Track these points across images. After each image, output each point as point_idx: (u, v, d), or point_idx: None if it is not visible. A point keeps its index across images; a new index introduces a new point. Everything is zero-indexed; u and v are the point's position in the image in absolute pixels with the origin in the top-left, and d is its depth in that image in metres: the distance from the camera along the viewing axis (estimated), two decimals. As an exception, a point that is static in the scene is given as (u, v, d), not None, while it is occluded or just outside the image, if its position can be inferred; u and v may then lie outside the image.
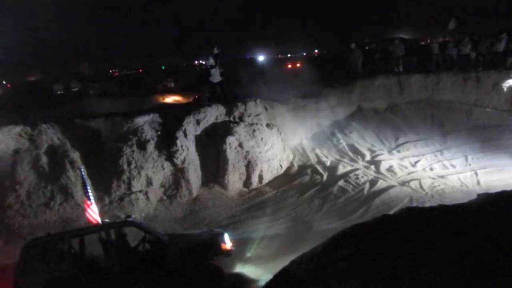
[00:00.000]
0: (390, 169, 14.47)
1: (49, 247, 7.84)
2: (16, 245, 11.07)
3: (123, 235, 8.24)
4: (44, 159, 12.23)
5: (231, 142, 13.55)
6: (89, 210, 9.15)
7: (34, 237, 9.68)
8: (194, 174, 13.24)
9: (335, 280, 4.85)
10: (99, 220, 9.19)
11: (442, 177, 14.01)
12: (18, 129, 12.83)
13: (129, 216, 8.76)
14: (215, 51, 15.71)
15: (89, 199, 9.28)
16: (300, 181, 13.88)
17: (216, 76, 15.68)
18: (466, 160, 15.12)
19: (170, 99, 20.98)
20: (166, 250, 7.80)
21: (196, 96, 18.78)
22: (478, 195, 7.22)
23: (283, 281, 5.36)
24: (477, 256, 3.96)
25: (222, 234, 8.26)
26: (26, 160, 12.08)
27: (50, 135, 12.75)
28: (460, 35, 21.54)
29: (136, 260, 8.06)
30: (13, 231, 11.45)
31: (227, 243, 8.14)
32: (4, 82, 30.93)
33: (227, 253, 8.10)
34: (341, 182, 13.42)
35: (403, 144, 16.51)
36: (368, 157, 15.46)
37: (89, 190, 9.39)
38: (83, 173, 9.72)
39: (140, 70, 35.52)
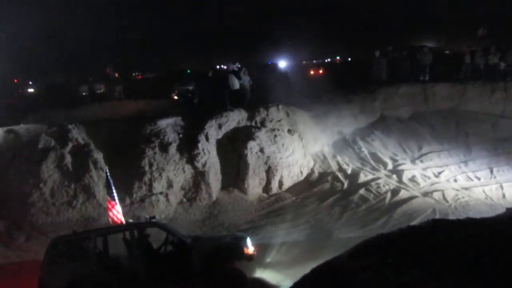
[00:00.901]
0: (412, 179, 14.22)
1: (74, 244, 7.94)
2: (38, 241, 11.32)
3: (146, 236, 8.29)
4: (68, 159, 12.44)
5: (252, 147, 13.55)
6: (113, 211, 9.27)
7: (57, 234, 9.86)
8: (215, 178, 13.27)
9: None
10: (123, 220, 9.30)
11: (466, 189, 13.70)
12: (44, 128, 13.13)
13: (153, 217, 8.80)
14: (235, 67, 15.91)
15: (114, 200, 9.40)
16: (320, 188, 13.76)
17: (235, 83, 15.72)
18: (491, 172, 14.75)
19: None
20: (189, 252, 7.80)
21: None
22: (507, 209, 7.02)
23: (304, 289, 5.29)
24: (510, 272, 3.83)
25: (245, 239, 8.24)
26: (51, 159, 12.31)
27: (75, 135, 12.99)
28: (488, 44, 21.05)
29: (159, 261, 8.08)
30: (35, 228, 11.66)
31: (250, 247, 8.11)
32: (30, 83, 31.71)
33: (250, 257, 8.07)
34: (362, 191, 13.25)
35: (426, 154, 16.21)
36: (390, 166, 15.23)
37: (114, 191, 9.50)
38: (108, 174, 9.85)
39: (153, 74, 35.84)
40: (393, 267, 4.67)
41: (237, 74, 15.86)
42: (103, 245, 8.19)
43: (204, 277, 7.65)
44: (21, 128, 13.99)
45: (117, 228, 8.68)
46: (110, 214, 9.36)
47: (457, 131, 17.58)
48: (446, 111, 18.56)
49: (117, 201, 9.41)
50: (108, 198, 9.52)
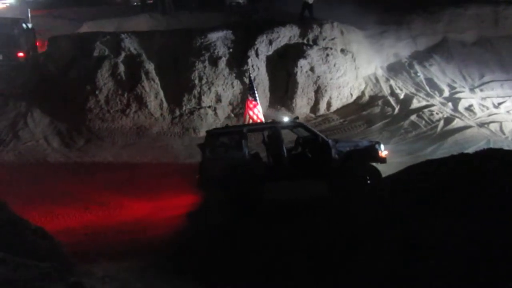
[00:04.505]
0: (469, 108, 13.53)
1: (229, 136, 8.78)
2: (95, 145, 12.11)
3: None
4: (121, 68, 12.74)
5: (303, 65, 13.25)
6: (255, 110, 10.25)
7: (112, 139, 10.46)
8: (263, 95, 13.23)
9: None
10: (263, 119, 10.23)
11: (527, 122, 12.91)
12: (98, 36, 13.35)
13: (297, 118, 9.73)
14: None
15: (255, 100, 10.32)
16: (369, 112, 13.47)
17: None
18: (558, 106, 13.72)
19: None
20: (329, 151, 8.39)
21: None
22: None
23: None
24: None
25: (379, 143, 8.83)
26: (105, 68, 12.65)
27: (128, 44, 13.14)
28: None
29: (302, 157, 8.91)
30: (93, 133, 12.39)
31: (383, 151, 8.62)
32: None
33: (383, 160, 8.58)
34: (413, 117, 12.85)
35: (488, 82, 15.17)
36: (446, 93, 14.48)
37: (256, 92, 10.43)
38: (250, 75, 11.13)
39: None
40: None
41: None
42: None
43: (341, 174, 8.30)
44: (77, 35, 14.32)
45: (264, 125, 9.53)
46: (250, 113, 10.27)
47: (527, 60, 16.16)
48: (518, 37, 16.95)
49: (258, 101, 10.29)
50: (250, 98, 10.36)
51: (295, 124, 9.05)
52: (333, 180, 8.34)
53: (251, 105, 10.30)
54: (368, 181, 8.21)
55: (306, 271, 4.74)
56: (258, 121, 10.11)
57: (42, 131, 12.20)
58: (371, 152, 8.56)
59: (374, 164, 8.51)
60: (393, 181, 5.73)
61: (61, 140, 12.12)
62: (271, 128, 8.91)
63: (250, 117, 10.28)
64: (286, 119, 9.83)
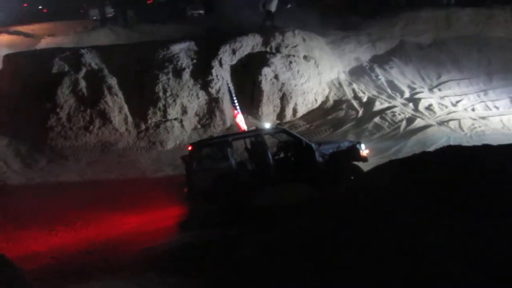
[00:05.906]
0: (429, 108, 14.00)
1: (214, 147, 8.86)
2: (59, 164, 11.74)
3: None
4: (83, 84, 12.43)
5: (267, 73, 13.35)
6: (237, 119, 10.48)
7: (76, 157, 10.14)
8: (229, 104, 13.18)
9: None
10: (246, 128, 10.34)
11: (483, 118, 13.49)
12: (57, 52, 13.01)
13: (279, 124, 10.15)
14: None
15: (237, 109, 10.48)
16: (334, 116, 13.71)
17: (274, 4, 15.43)
18: (511, 101, 14.38)
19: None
20: (313, 154, 8.69)
21: None
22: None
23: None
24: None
25: (360, 143, 9.21)
26: (66, 84, 12.31)
27: (88, 60, 12.86)
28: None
29: (287, 161, 9.22)
30: (55, 152, 12.00)
31: (365, 150, 8.97)
32: (40, 7, 30.95)
33: (365, 159, 8.91)
34: (376, 119, 13.16)
35: (445, 82, 15.76)
36: (407, 94, 14.94)
37: (235, 101, 10.60)
38: (229, 85, 11.21)
39: None
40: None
41: None
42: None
43: (326, 175, 8.61)
44: (35, 52, 13.93)
45: (249, 133, 9.58)
46: (237, 120, 10.49)
47: (479, 58, 16.91)
48: (470, 38, 17.74)
49: (239, 110, 10.45)
50: (233, 106, 10.58)
51: (278, 130, 9.40)
52: (319, 182, 8.57)
53: (235, 113, 10.67)
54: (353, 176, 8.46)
55: (301, 273, 4.75)
56: (241, 129, 10.37)
57: (1, 153, 11.71)
58: (353, 152, 8.91)
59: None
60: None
61: (21, 161, 11.68)
62: (255, 135, 9.11)
63: (237, 123, 10.63)
64: (268, 125, 10.08)
